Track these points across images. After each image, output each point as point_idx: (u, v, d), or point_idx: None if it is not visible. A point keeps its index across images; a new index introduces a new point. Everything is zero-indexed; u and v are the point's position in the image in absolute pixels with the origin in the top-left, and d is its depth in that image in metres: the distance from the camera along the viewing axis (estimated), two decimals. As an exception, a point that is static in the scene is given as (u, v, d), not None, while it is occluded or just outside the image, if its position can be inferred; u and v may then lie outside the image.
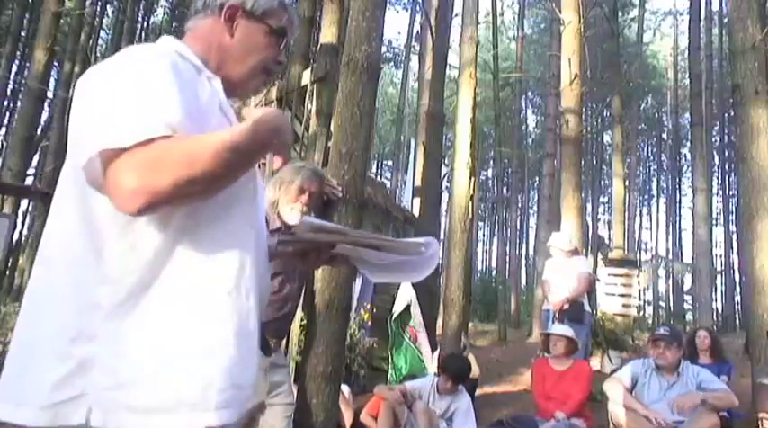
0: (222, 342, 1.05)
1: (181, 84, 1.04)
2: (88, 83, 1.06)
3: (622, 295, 10.70)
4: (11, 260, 16.09)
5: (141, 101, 0.98)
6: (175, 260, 1.04)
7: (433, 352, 7.22)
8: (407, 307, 7.31)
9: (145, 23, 20.79)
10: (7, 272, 14.85)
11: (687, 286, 25.48)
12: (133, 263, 1.02)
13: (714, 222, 23.19)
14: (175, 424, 0.99)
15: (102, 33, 21.60)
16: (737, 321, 23.86)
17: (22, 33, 18.43)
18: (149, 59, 1.06)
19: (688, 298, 25.88)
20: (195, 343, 1.03)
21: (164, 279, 1.03)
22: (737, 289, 25.87)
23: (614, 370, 6.36)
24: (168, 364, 1.00)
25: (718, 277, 28.45)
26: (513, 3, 29.97)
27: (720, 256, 29.81)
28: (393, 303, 7.39)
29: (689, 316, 24.33)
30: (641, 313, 20.29)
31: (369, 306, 7.16)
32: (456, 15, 14.44)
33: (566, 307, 6.39)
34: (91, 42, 17.70)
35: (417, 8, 23.46)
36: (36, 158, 18.11)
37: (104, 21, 21.00)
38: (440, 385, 4.87)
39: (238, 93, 1.30)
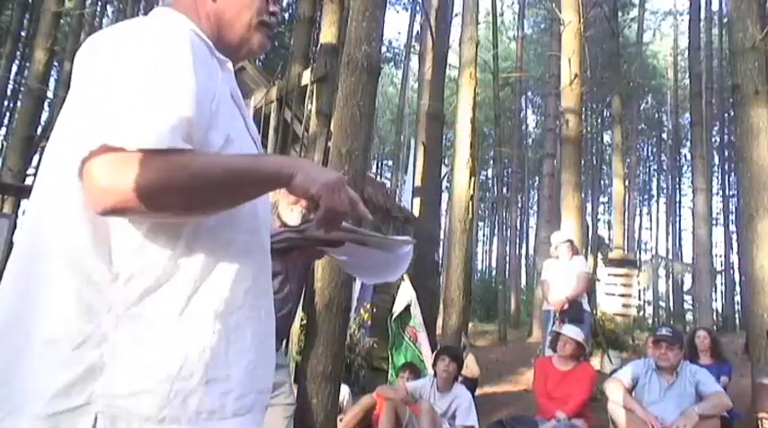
0: (241, 346, 1.01)
1: (199, 69, 0.97)
2: (98, 56, 0.98)
3: (622, 295, 10.70)
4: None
5: (156, 93, 0.91)
6: (189, 261, 0.97)
7: (433, 352, 7.23)
8: (407, 307, 7.31)
9: (145, 23, 20.71)
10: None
11: (687, 286, 25.49)
12: (144, 262, 0.94)
13: (714, 222, 23.18)
14: None
15: (102, 33, 21.60)
16: (737, 321, 23.85)
17: (22, 33, 18.41)
18: (168, 39, 0.98)
19: (688, 298, 25.89)
20: (213, 348, 0.97)
21: (177, 280, 0.96)
22: (737, 288, 25.86)
23: (614, 370, 6.36)
24: (185, 371, 0.93)
25: (718, 277, 28.45)
26: (513, 3, 29.99)
27: (720, 256, 29.81)
28: (393, 303, 7.39)
29: (689, 316, 24.33)
30: (641, 313, 20.31)
31: (369, 306, 7.17)
32: (456, 15, 14.45)
33: (565, 307, 6.40)
34: (91, 42, 17.68)
35: (417, 8, 23.48)
36: (36, 158, 18.11)
37: (104, 21, 21.00)
38: (439, 376, 4.86)
39: (243, 55, 1.23)
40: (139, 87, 0.91)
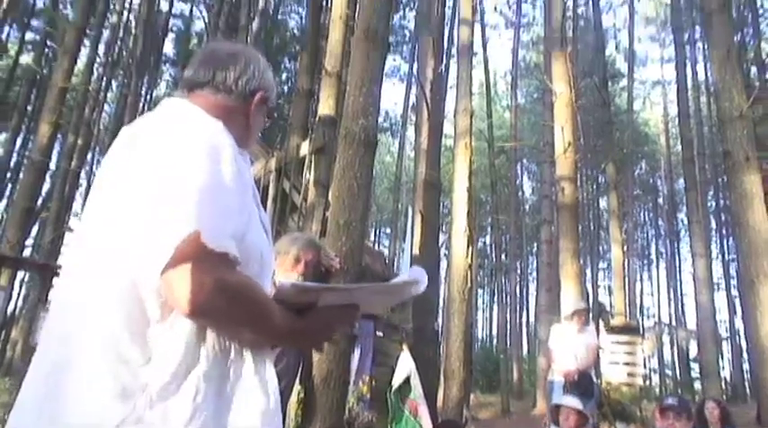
0: (262, 417, 1.07)
1: (237, 179, 1.08)
2: (151, 154, 1.06)
3: (627, 363, 10.48)
4: (3, 332, 15.84)
5: (218, 200, 1.02)
6: (208, 343, 1.04)
7: (433, 425, 7.00)
8: (407, 379, 7.14)
9: (148, 97, 21.36)
10: (-1, 346, 14.59)
11: (693, 353, 25.04)
12: (174, 343, 1.01)
13: (716, 287, 23.01)
14: None
15: (106, 106, 22.13)
16: (748, 389, 23.29)
17: (28, 107, 18.88)
18: (217, 144, 1.08)
19: (695, 365, 25.37)
20: (238, 420, 1.04)
21: (199, 362, 1.02)
22: (745, 355, 25.40)
23: (622, 444, 6.15)
24: None
25: (724, 343, 27.98)
26: (505, 74, 30.96)
27: (725, 322, 29.43)
28: (393, 374, 7.22)
29: (697, 385, 23.76)
30: (648, 382, 19.84)
31: (368, 378, 6.99)
32: (451, 87, 14.86)
33: (575, 378, 6.23)
34: (95, 115, 18.10)
35: (413, 80, 24.17)
36: (35, 229, 18.16)
37: (108, 94, 21.55)
38: None
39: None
40: (204, 197, 1.00)
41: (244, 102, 1.30)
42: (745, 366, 25.36)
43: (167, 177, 1.01)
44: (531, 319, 29.74)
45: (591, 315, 7.37)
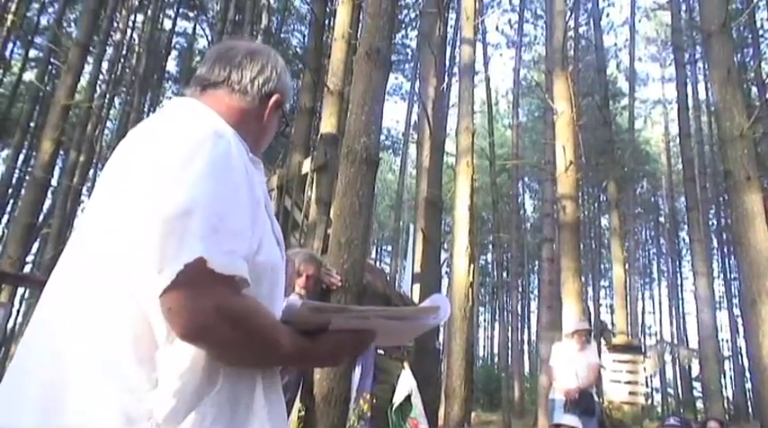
0: None
1: (249, 192, 1.02)
2: (155, 159, 0.98)
3: (628, 382, 10.42)
4: (3, 349, 15.77)
5: (228, 218, 0.95)
6: (217, 370, 0.96)
7: (435, 445, 6.93)
8: (408, 397, 7.07)
9: (151, 114, 21.38)
10: (-2, 362, 14.51)
11: (695, 372, 24.85)
12: (182, 366, 0.93)
13: (718, 306, 22.90)
14: None
15: (109, 123, 22.25)
16: (750, 409, 23.08)
17: (31, 124, 18.98)
18: (228, 153, 1.01)
19: (697, 384, 25.17)
20: None
21: (212, 382, 0.95)
22: (747, 374, 25.20)
23: (625, 464, 6.10)
24: None
25: (727, 362, 27.77)
26: (507, 93, 31.14)
27: (727, 341, 29.26)
28: (393, 393, 7.16)
29: (699, 404, 23.55)
30: (649, 401, 19.67)
31: (368, 396, 6.93)
32: (453, 106, 14.94)
33: (576, 397, 6.20)
34: (97, 132, 18.19)
35: (415, 98, 24.31)
36: (36, 245, 18.16)
37: (111, 112, 21.67)
38: None
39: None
40: (212, 214, 0.93)
41: (259, 105, 1.22)
42: (748, 385, 25.14)
43: (173, 190, 0.93)
44: (533, 337, 29.63)
45: (592, 333, 7.33)
